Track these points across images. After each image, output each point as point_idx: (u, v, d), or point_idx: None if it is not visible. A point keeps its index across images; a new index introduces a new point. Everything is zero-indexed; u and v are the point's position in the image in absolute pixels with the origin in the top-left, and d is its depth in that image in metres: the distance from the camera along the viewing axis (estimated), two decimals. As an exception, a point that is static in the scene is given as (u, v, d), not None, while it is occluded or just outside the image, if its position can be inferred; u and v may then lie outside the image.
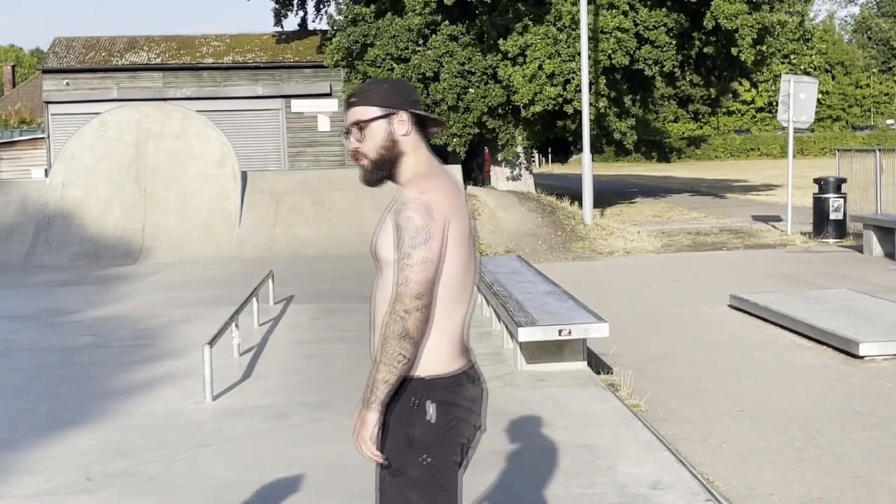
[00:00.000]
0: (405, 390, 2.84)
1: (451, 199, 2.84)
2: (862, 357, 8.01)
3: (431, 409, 2.82)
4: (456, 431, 2.87)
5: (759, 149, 61.30)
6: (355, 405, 7.68)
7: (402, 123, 2.93)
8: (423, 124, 3.00)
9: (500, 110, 23.47)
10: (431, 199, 2.80)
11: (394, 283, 2.77)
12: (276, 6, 29.33)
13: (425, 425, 2.82)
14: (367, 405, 2.80)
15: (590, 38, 20.93)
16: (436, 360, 2.84)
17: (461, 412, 2.87)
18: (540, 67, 22.31)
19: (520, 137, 24.42)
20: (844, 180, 17.55)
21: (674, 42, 22.92)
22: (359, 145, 2.96)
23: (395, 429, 2.84)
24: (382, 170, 2.96)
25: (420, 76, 23.59)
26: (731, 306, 10.58)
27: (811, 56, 64.08)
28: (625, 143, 24.32)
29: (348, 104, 2.99)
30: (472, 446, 2.98)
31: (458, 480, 2.94)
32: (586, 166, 19.54)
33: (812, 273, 13.15)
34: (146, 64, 29.08)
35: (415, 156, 2.94)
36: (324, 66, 26.99)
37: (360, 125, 2.94)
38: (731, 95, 30.52)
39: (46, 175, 21.19)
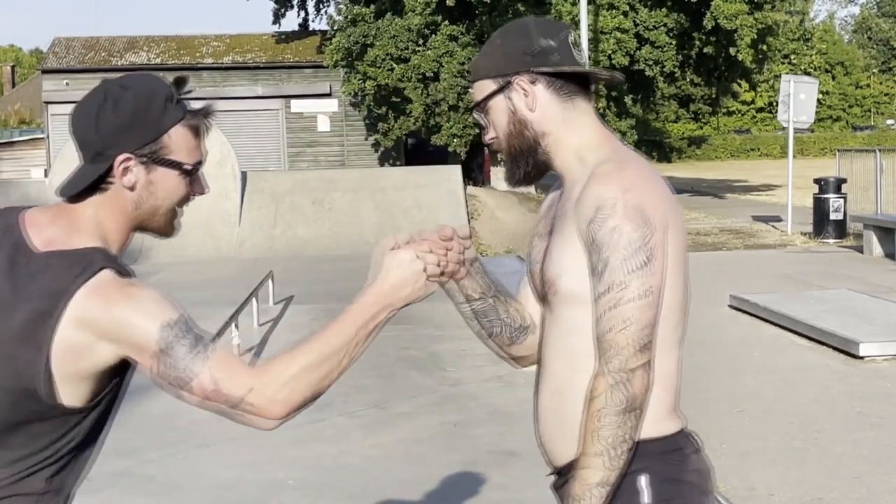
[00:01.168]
0: None
1: (666, 196, 1.93)
2: (862, 357, 8.00)
3: (646, 486, 1.92)
4: None
5: (759, 149, 61.32)
6: (354, 405, 7.64)
7: (523, 94, 1.99)
8: (578, 81, 2.01)
9: (500, 110, 23.48)
10: (644, 199, 1.87)
11: (595, 330, 1.87)
12: (276, 6, 29.35)
13: None
14: None
15: (590, 39, 20.94)
16: (647, 418, 1.91)
17: (690, 492, 1.94)
18: (540, 67, 22.31)
19: (520, 137, 24.46)
20: (844, 180, 17.54)
21: (674, 42, 22.93)
22: (491, 136, 2.08)
23: None
24: (522, 163, 2.04)
25: (420, 76, 23.59)
26: (731, 306, 10.57)
27: (811, 56, 64.13)
28: (624, 142, 24.31)
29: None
30: None
31: None
32: (586, 166, 19.52)
33: (812, 273, 13.14)
34: (146, 64, 29.10)
35: (570, 132, 2.00)
36: (323, 67, 27.00)
37: (481, 108, 2.08)
38: (731, 96, 30.56)
39: (46, 175, 21.19)
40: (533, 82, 1.98)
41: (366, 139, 28.60)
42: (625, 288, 1.83)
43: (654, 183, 1.93)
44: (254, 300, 9.68)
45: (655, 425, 1.92)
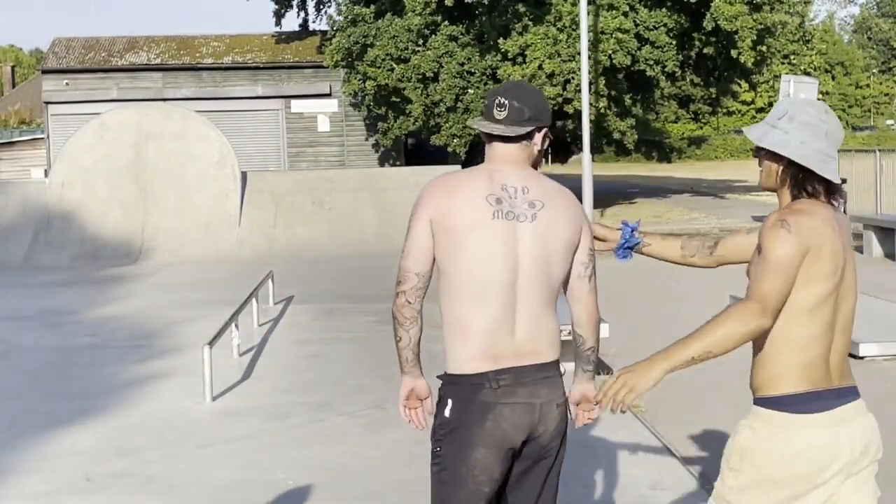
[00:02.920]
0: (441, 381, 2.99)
1: (441, 197, 2.92)
2: (862, 357, 8.00)
3: (450, 403, 2.92)
4: (468, 433, 2.89)
5: (759, 149, 61.26)
6: (354, 405, 7.63)
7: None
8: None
9: (499, 110, 23.47)
10: (422, 197, 2.96)
11: None
12: (276, 6, 29.33)
13: (442, 419, 2.95)
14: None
15: (590, 39, 20.94)
16: (455, 358, 2.94)
17: (474, 416, 2.88)
18: (540, 67, 22.30)
19: (520, 137, 24.44)
20: (844, 180, 17.54)
21: (674, 42, 22.92)
22: None
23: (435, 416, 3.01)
24: None
25: (420, 76, 23.58)
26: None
27: (811, 56, 64.03)
28: (624, 142, 24.31)
29: None
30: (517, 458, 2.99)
31: (477, 492, 2.95)
32: (586, 166, 19.54)
33: (812, 273, 13.12)
34: (146, 64, 29.09)
35: (486, 160, 3.07)
36: (323, 67, 26.99)
37: None
38: (731, 96, 30.54)
39: (46, 175, 21.20)
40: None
41: (366, 139, 28.60)
42: None
43: (441, 187, 2.94)
44: (254, 300, 9.67)
45: (460, 364, 2.91)
